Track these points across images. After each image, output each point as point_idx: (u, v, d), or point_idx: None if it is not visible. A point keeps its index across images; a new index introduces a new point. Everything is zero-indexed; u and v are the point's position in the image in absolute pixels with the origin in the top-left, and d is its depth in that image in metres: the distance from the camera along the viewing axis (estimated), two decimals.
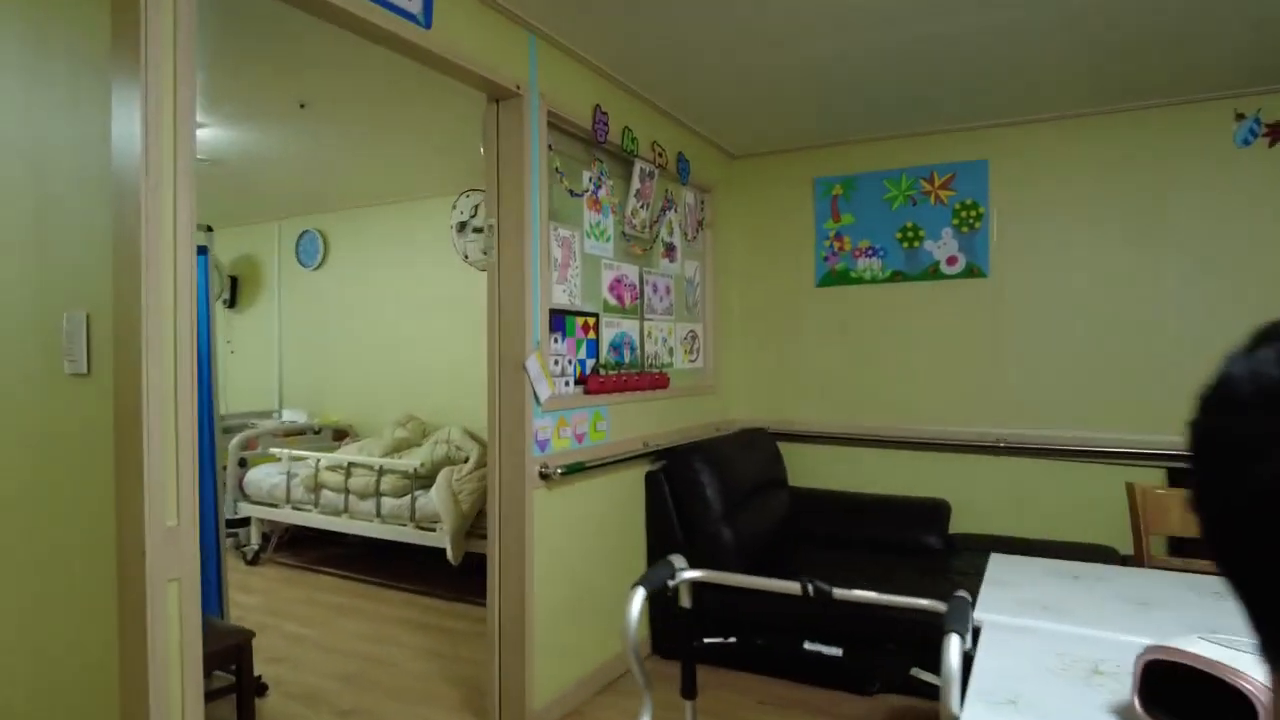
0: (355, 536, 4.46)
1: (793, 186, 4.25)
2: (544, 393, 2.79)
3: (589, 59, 2.99)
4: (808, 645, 1.57)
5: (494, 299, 2.77)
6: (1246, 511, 0.48)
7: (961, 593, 1.33)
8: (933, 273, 3.95)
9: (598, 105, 3.09)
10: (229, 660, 2.50)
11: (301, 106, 3.60)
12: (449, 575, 4.37)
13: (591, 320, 3.17)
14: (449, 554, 3.89)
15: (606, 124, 3.13)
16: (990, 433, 3.82)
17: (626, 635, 1.40)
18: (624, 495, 3.34)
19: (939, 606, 1.35)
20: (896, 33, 2.79)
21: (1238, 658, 1.08)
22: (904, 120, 3.80)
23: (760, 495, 3.69)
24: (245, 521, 4.86)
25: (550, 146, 2.88)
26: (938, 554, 3.59)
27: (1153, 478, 3.48)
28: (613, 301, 3.34)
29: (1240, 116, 3.35)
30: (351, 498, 4.33)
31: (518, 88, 2.62)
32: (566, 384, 3.00)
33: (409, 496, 4.17)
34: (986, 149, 3.82)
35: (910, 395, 3.99)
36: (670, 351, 3.80)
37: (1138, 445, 3.52)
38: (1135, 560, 2.58)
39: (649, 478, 3.45)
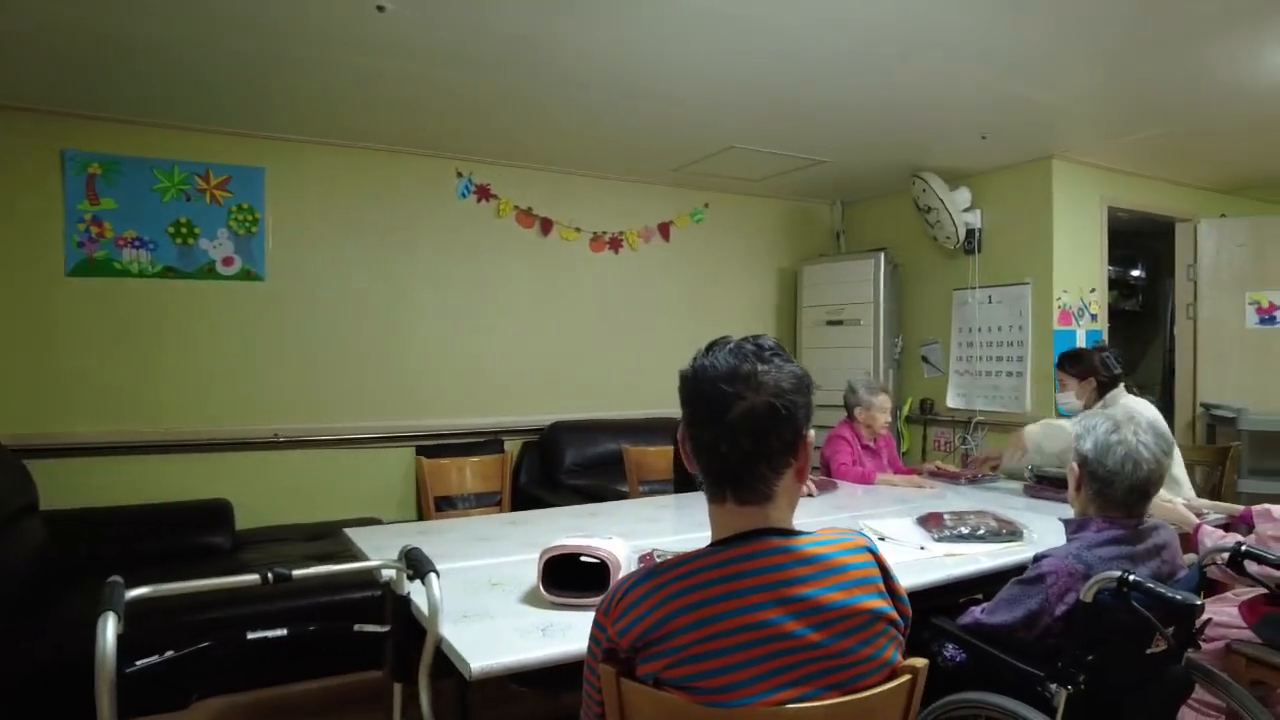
0: None
1: (32, 154, 3.54)
2: None
3: None
4: (251, 635, 1.61)
5: None
6: (731, 430, 1.04)
7: (412, 546, 1.65)
8: (209, 272, 3.90)
9: None
10: None
11: None
12: None
13: None
14: None
15: None
16: (268, 428, 4.02)
17: (102, 669, 1.21)
18: None
19: (395, 563, 1.64)
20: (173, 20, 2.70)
21: (593, 542, 1.73)
22: (177, 112, 3.65)
23: (12, 527, 3.03)
24: None
25: None
26: (226, 553, 3.61)
27: (407, 456, 4.28)
28: None
29: (460, 175, 4.43)
30: None
31: None
32: None
33: None
34: (264, 157, 3.99)
35: (188, 396, 3.85)
36: None
37: (393, 430, 4.28)
38: (423, 514, 3.26)
39: None
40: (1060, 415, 3.58)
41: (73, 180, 3.61)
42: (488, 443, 4.42)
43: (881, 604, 1.09)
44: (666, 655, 1.02)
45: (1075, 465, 1.77)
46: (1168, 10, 2.60)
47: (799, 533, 1.10)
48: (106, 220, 3.68)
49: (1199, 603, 1.48)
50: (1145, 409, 2.88)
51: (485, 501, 3.91)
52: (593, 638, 1.12)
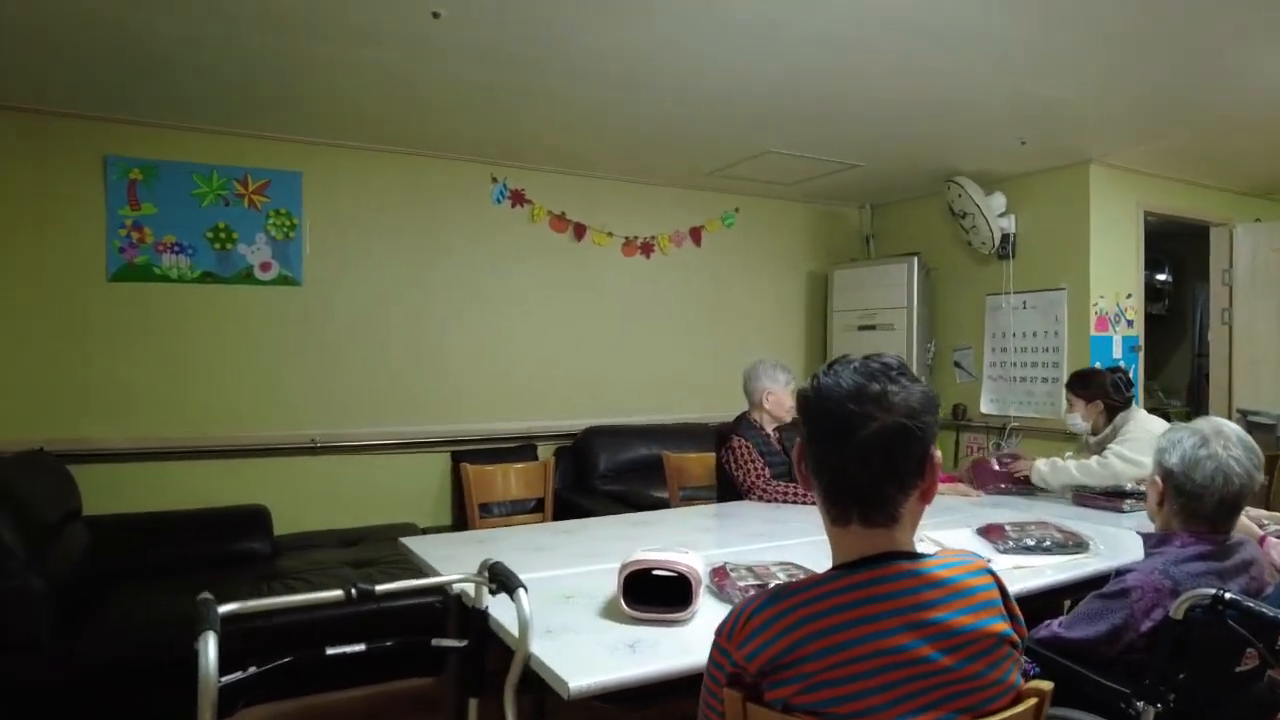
0: None
1: (75, 158, 3.54)
2: None
3: None
4: (330, 650, 1.60)
5: None
6: (861, 451, 1.02)
7: (497, 561, 1.63)
8: (247, 277, 3.90)
9: None
10: None
11: None
12: None
13: None
14: None
15: None
16: (305, 434, 4.01)
17: (205, 686, 1.20)
18: None
19: (477, 577, 1.62)
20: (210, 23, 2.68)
21: (672, 556, 1.71)
22: (215, 116, 3.65)
23: (59, 533, 3.03)
24: None
25: None
26: (264, 558, 3.60)
27: (441, 461, 4.28)
28: None
29: (495, 180, 4.43)
30: None
31: None
32: None
33: None
34: (300, 161, 3.99)
35: (225, 402, 3.85)
36: None
37: (428, 436, 4.27)
38: (467, 524, 3.25)
39: None
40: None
41: (114, 185, 3.62)
42: (521, 448, 4.41)
43: (1005, 626, 1.08)
44: (798, 680, 1.01)
45: (1158, 479, 1.75)
46: (1203, 15, 2.59)
47: (923, 555, 1.09)
48: (147, 225, 3.69)
49: None
50: (1159, 426, 2.86)
51: (520, 508, 3.89)
52: (714, 662, 1.10)
